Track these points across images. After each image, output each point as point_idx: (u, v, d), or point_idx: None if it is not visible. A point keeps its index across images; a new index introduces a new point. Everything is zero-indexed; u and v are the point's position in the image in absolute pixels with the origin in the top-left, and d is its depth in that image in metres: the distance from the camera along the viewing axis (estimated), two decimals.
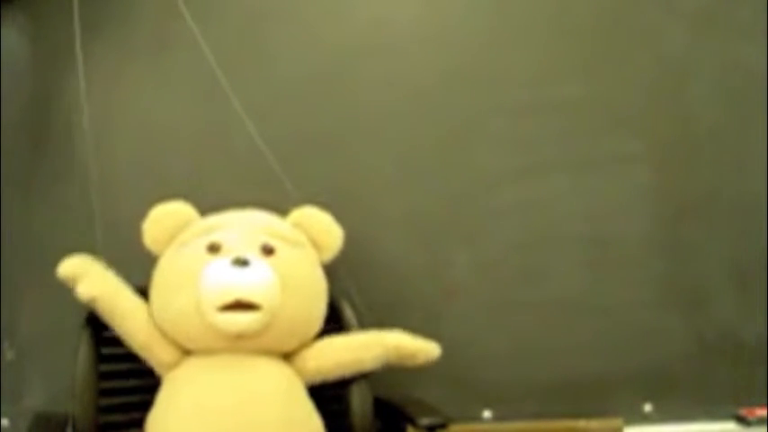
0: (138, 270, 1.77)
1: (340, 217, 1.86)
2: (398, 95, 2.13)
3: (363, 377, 1.79)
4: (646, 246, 2.18)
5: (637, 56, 2.19)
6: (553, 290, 2.16)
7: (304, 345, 1.77)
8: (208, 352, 1.70)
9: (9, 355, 1.97)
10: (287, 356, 1.75)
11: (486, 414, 2.13)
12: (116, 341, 1.73)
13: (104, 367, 1.75)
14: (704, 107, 2.20)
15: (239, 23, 2.09)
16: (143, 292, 1.76)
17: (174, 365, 1.71)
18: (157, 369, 1.72)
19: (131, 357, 1.73)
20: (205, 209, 1.84)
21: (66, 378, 1.70)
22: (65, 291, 1.88)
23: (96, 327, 1.74)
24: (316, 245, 1.83)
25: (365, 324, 1.86)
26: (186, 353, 1.72)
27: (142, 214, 1.79)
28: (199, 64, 2.01)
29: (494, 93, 2.16)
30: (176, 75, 2.08)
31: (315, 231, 1.84)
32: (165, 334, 1.72)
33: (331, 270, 1.87)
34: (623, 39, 2.19)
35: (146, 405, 1.69)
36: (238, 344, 1.68)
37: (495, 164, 2.15)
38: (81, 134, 2.01)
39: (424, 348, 1.83)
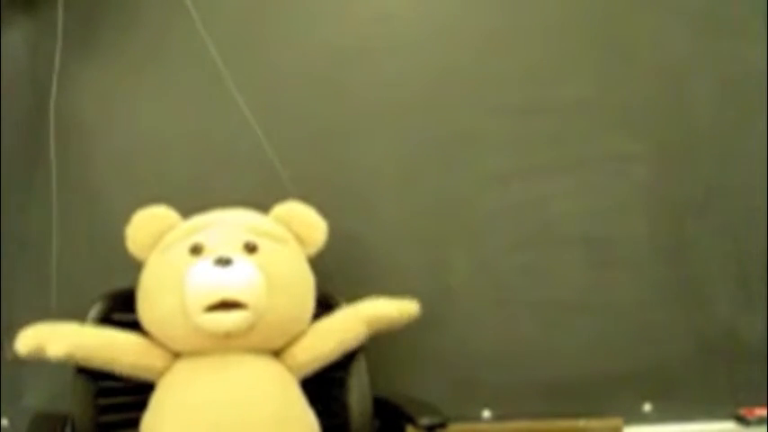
0: (131, 272, 1.78)
1: (339, 217, 1.86)
2: (398, 95, 2.13)
3: (363, 376, 1.79)
4: (646, 245, 2.18)
5: (637, 56, 2.19)
6: (553, 290, 2.16)
7: (293, 340, 1.77)
8: (197, 353, 1.70)
9: (9, 355, 1.97)
10: (277, 353, 1.75)
11: (486, 414, 2.13)
12: None
13: None
14: (704, 107, 2.20)
15: (240, 22, 2.09)
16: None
17: (166, 369, 1.71)
18: (152, 378, 1.72)
19: None
20: (205, 209, 1.83)
21: (65, 378, 1.70)
22: (64, 291, 1.89)
23: None
24: (299, 239, 1.82)
25: None
26: (177, 355, 1.72)
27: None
28: (201, 63, 2.02)
29: (494, 93, 2.15)
30: (178, 73, 2.08)
31: (298, 226, 1.83)
32: (152, 338, 1.72)
33: (329, 270, 1.87)
34: (623, 39, 2.19)
35: (145, 405, 1.69)
36: (227, 343, 1.67)
37: (495, 164, 2.15)
38: (79, 134, 2.01)
39: (401, 310, 1.83)
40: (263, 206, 1.86)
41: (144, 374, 1.71)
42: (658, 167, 2.18)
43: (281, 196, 1.91)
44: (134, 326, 1.74)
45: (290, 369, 1.74)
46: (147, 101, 2.07)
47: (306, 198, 1.89)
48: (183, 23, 2.01)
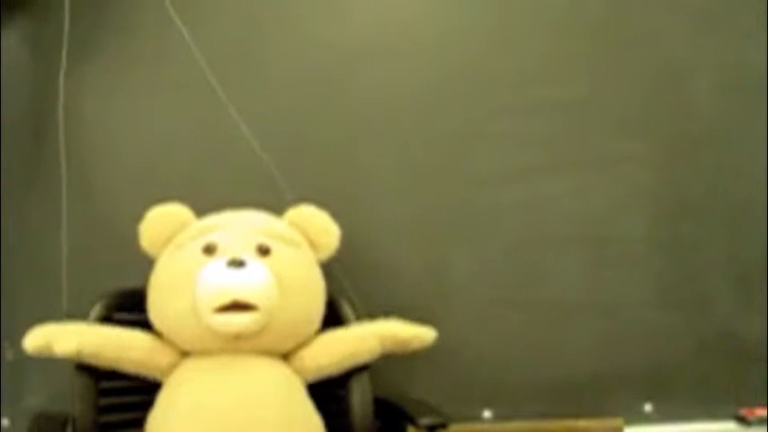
0: (135, 271, 1.78)
1: (339, 218, 1.86)
2: (397, 96, 2.13)
3: (364, 376, 1.79)
4: (646, 246, 2.18)
5: (637, 56, 2.19)
6: (553, 290, 2.16)
7: (302, 344, 1.77)
8: (206, 353, 1.70)
9: (9, 355, 1.97)
10: (285, 356, 1.75)
11: (486, 414, 2.13)
12: None
13: None
14: (704, 107, 2.20)
15: (234, 28, 2.09)
16: (140, 294, 1.77)
17: (173, 367, 1.71)
18: (158, 376, 1.72)
19: None
20: (202, 212, 1.83)
21: (66, 378, 1.70)
22: (70, 291, 1.89)
23: None
24: (312, 244, 1.83)
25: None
26: (185, 354, 1.72)
27: (140, 217, 1.80)
28: (194, 68, 2.02)
29: (494, 93, 2.16)
30: (172, 79, 2.07)
31: (311, 230, 1.83)
32: (162, 336, 1.72)
33: (330, 271, 1.87)
34: (624, 39, 2.20)
35: (146, 405, 1.69)
36: (236, 345, 1.68)
37: (495, 164, 2.15)
38: (79, 137, 2.01)
39: (418, 335, 1.84)
40: (261, 209, 1.86)
41: (150, 372, 1.71)
42: (658, 167, 2.18)
43: (279, 198, 1.91)
44: (135, 326, 1.74)
45: (298, 372, 1.74)
46: (144, 108, 2.07)
47: (304, 200, 1.89)
48: (177, 35, 2.00)
